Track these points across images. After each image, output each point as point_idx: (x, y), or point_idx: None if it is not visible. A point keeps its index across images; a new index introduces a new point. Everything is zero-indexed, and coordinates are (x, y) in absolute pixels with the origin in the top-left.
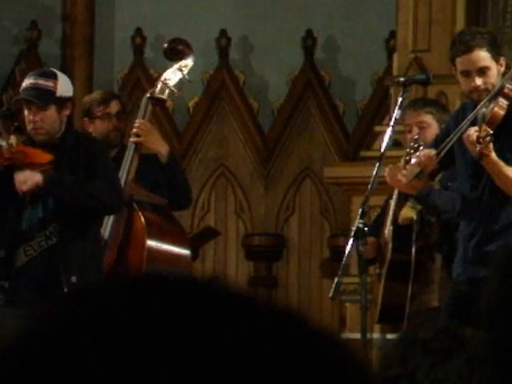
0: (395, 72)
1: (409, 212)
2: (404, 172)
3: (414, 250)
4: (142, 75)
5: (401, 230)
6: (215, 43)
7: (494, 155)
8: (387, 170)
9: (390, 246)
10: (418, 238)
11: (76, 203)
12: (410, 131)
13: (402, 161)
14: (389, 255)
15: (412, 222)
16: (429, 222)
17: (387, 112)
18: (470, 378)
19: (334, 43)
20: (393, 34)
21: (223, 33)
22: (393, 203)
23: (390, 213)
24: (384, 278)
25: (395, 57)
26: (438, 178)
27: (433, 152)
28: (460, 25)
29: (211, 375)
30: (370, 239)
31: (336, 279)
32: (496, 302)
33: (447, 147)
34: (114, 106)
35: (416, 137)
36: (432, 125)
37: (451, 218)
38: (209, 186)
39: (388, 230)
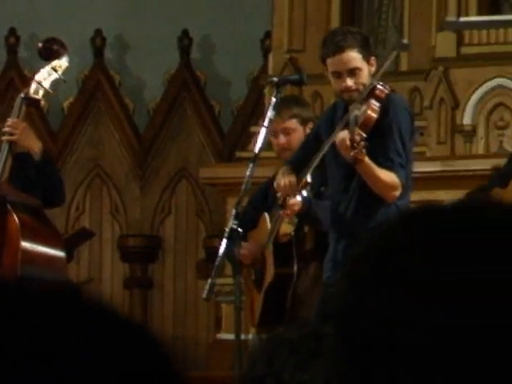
0: (271, 72)
1: (287, 228)
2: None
3: (295, 262)
4: (16, 75)
5: (281, 245)
6: (90, 43)
7: (367, 159)
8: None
9: (271, 261)
10: (297, 250)
11: None
12: (276, 137)
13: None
14: (272, 270)
15: (291, 236)
16: (303, 231)
17: (263, 112)
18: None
19: (210, 43)
20: (268, 35)
21: (98, 32)
22: (268, 224)
23: (268, 231)
24: (266, 289)
25: (270, 57)
26: (308, 187)
27: (293, 181)
28: (335, 25)
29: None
30: (246, 245)
31: (209, 280)
32: (342, 304)
33: (314, 165)
34: None
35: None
36: (297, 129)
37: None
38: (84, 187)
39: (268, 248)
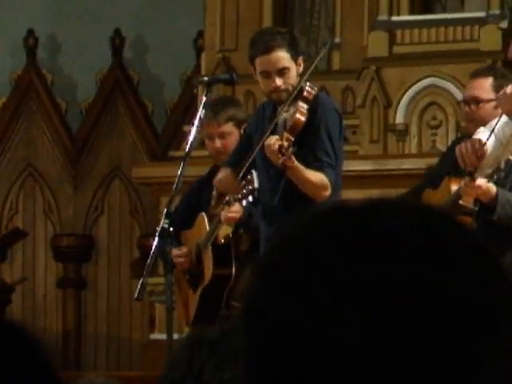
0: (204, 71)
1: (226, 229)
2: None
3: (234, 263)
4: None
5: (220, 247)
6: (22, 43)
7: (296, 164)
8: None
9: (210, 262)
10: (235, 251)
11: None
12: (211, 141)
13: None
14: (210, 271)
15: (230, 238)
16: (239, 233)
17: (196, 111)
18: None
19: (143, 42)
20: (201, 34)
21: (30, 32)
22: (207, 225)
23: (207, 232)
24: (203, 290)
25: (203, 56)
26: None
27: (229, 176)
28: (267, 24)
29: None
30: (181, 254)
31: (141, 280)
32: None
33: (246, 166)
34: None
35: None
36: (232, 132)
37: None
38: (17, 187)
39: (206, 249)
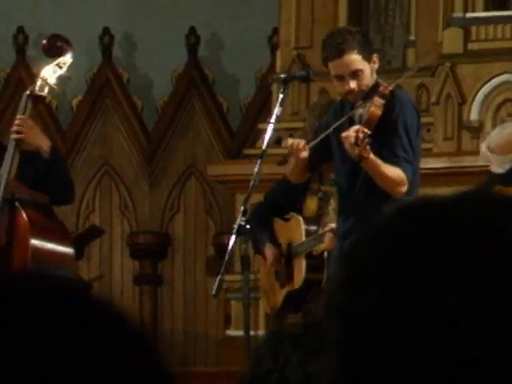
0: (278, 69)
1: (323, 247)
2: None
3: (326, 268)
4: (25, 74)
5: (314, 256)
6: (98, 41)
7: (372, 156)
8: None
9: (303, 269)
10: (328, 259)
11: None
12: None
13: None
14: (302, 277)
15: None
16: None
17: (271, 109)
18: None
19: (218, 41)
20: (276, 32)
21: (106, 30)
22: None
23: (303, 243)
24: (291, 292)
25: (278, 54)
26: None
27: (302, 142)
28: (342, 22)
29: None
30: (272, 251)
31: (219, 277)
32: (335, 301)
33: (319, 139)
34: None
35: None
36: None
37: None
38: (93, 185)
39: (301, 256)
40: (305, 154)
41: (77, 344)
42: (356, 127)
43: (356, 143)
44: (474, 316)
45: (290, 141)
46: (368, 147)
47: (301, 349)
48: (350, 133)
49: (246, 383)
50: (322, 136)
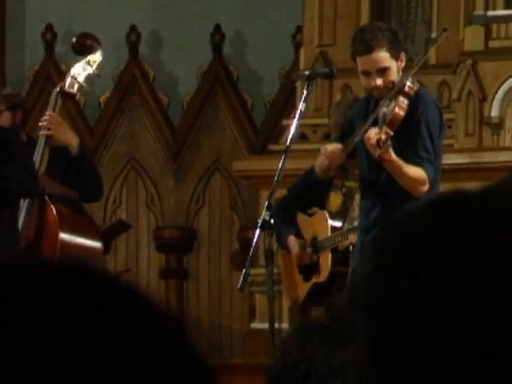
0: (302, 66)
1: (347, 242)
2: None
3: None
4: (53, 70)
5: (339, 250)
6: (125, 39)
7: (394, 156)
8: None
9: (329, 263)
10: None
11: None
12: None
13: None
14: (328, 270)
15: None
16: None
17: (295, 106)
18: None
19: (242, 38)
20: (299, 29)
21: (133, 28)
22: (328, 227)
23: (330, 239)
24: (316, 285)
25: (302, 51)
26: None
27: (339, 147)
28: (365, 19)
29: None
30: (296, 243)
31: (244, 270)
32: (367, 292)
33: (351, 148)
34: None
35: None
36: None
37: None
38: (120, 180)
39: (327, 250)
40: (341, 160)
41: (113, 327)
42: (379, 128)
43: (378, 145)
44: (494, 309)
45: (329, 147)
46: (390, 149)
47: (328, 341)
48: (372, 134)
49: (275, 374)
50: (355, 142)
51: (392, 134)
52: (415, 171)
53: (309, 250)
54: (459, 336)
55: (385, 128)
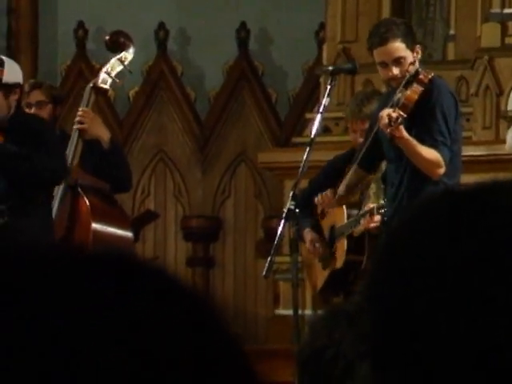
0: (325, 62)
1: (362, 228)
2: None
3: (367, 251)
4: (85, 66)
5: (354, 237)
6: (154, 35)
7: (405, 134)
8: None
9: (344, 250)
10: (368, 242)
11: (20, 170)
12: (354, 132)
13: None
14: (343, 258)
15: (364, 233)
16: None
17: (318, 100)
18: None
19: (267, 35)
20: (322, 26)
21: (162, 25)
22: (345, 218)
23: (345, 225)
24: (333, 272)
25: (325, 47)
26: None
27: (329, 195)
28: (386, 16)
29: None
30: (311, 236)
31: (269, 258)
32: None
33: (372, 135)
34: (33, 96)
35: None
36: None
37: None
38: (149, 171)
39: (343, 238)
40: (333, 204)
41: (146, 309)
42: (391, 109)
43: (389, 123)
44: (500, 302)
45: (319, 196)
46: (401, 127)
47: (355, 327)
48: (385, 114)
49: (304, 357)
50: (370, 139)
51: (405, 115)
52: (429, 152)
53: (324, 242)
54: (465, 330)
55: (397, 109)
